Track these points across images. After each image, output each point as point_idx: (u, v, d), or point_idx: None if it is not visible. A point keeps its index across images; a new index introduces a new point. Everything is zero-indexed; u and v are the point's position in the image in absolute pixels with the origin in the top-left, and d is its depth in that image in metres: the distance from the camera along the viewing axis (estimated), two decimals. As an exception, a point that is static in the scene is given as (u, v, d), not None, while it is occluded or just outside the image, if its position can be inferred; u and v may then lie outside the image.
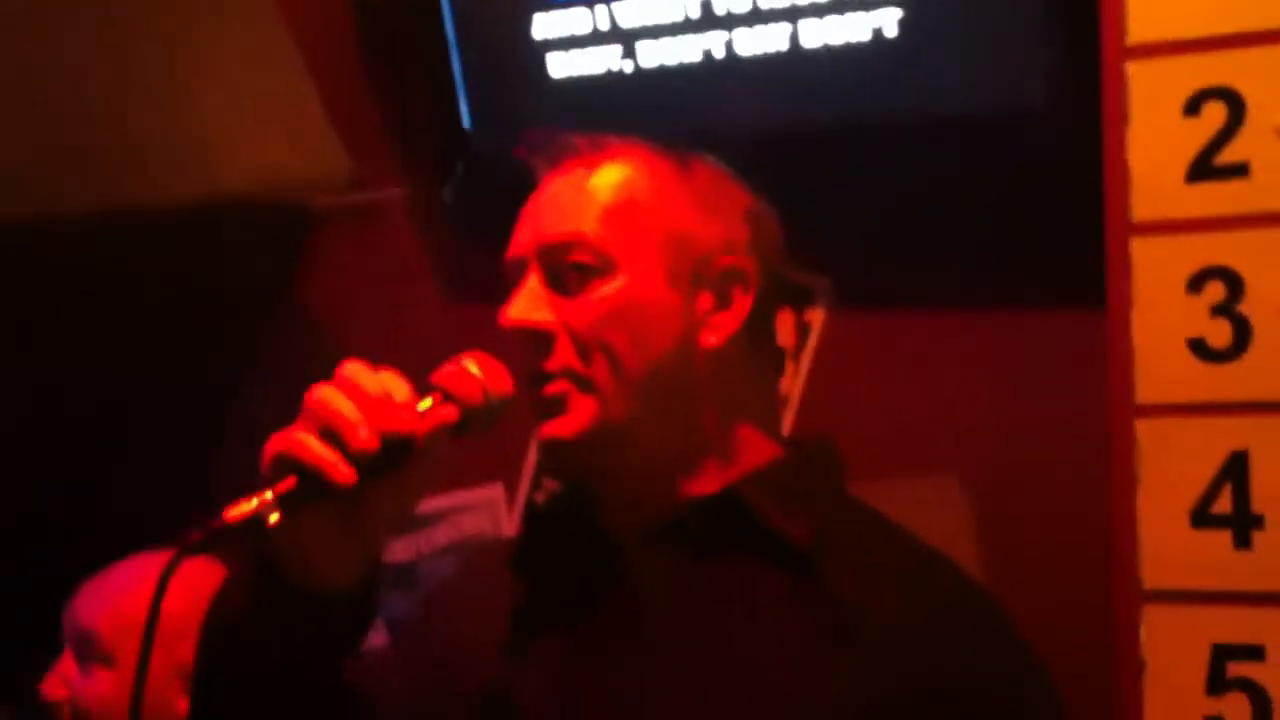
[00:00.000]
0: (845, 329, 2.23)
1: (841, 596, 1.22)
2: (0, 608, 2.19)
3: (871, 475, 2.11)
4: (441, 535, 2.47)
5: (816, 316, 2.24)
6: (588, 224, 1.27)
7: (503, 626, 1.35)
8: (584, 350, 1.26)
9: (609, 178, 1.30)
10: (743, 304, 1.31)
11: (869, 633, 1.20)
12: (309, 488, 1.11)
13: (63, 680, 1.97)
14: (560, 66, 2.26)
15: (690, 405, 1.29)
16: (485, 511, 2.45)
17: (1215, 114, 1.66)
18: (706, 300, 1.30)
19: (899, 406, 2.17)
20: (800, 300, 2.25)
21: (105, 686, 1.93)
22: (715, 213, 1.32)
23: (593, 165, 1.31)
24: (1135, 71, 1.69)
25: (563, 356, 1.26)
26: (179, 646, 1.96)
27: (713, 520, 1.27)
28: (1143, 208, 1.69)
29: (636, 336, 1.26)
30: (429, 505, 2.44)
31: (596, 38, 2.22)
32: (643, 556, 1.29)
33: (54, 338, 2.40)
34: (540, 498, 2.43)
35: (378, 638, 2.33)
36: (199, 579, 2.02)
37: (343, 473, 1.11)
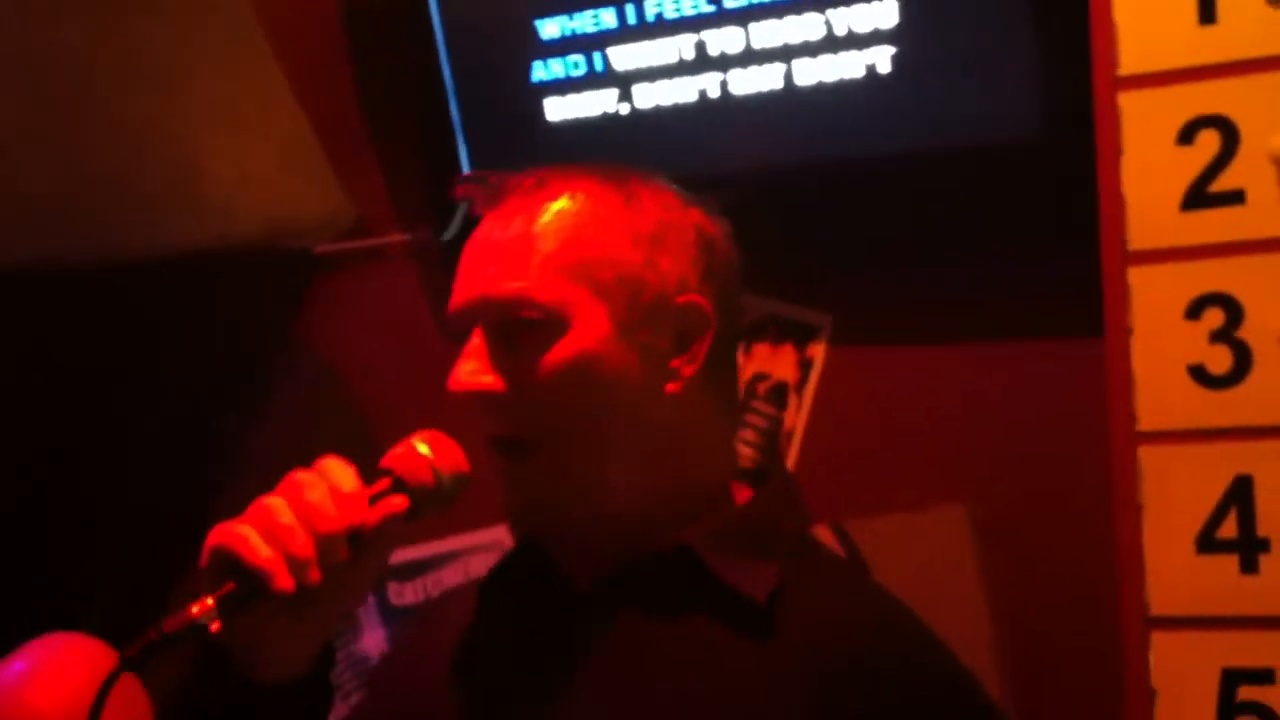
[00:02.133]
0: (847, 363, 2.23)
1: (797, 647, 1.18)
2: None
3: (876, 509, 2.14)
4: (449, 577, 2.47)
5: (818, 351, 2.25)
6: (532, 278, 1.21)
7: (442, 667, 1.32)
8: (537, 410, 1.21)
9: (551, 224, 1.22)
10: (701, 344, 1.25)
11: (822, 690, 1.16)
12: (249, 592, 1.09)
13: None
14: (557, 110, 2.28)
15: (653, 453, 1.24)
16: (492, 553, 2.45)
17: (1209, 142, 1.67)
18: (663, 344, 1.24)
19: (902, 439, 2.18)
20: (802, 336, 2.26)
21: None
22: (665, 249, 1.24)
23: (535, 209, 1.23)
24: (1128, 102, 1.70)
25: (515, 419, 1.21)
26: None
27: (667, 573, 1.22)
28: (1139, 237, 1.70)
29: (591, 392, 1.21)
30: (436, 547, 2.45)
31: (593, 81, 2.24)
32: (595, 604, 1.25)
33: (61, 382, 2.42)
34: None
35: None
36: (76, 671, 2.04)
37: (283, 580, 1.08)
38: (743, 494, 1.31)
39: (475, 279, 1.24)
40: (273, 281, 2.56)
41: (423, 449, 1.18)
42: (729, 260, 1.29)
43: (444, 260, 2.46)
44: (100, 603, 2.31)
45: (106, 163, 2.17)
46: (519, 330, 1.21)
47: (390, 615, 2.46)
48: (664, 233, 1.25)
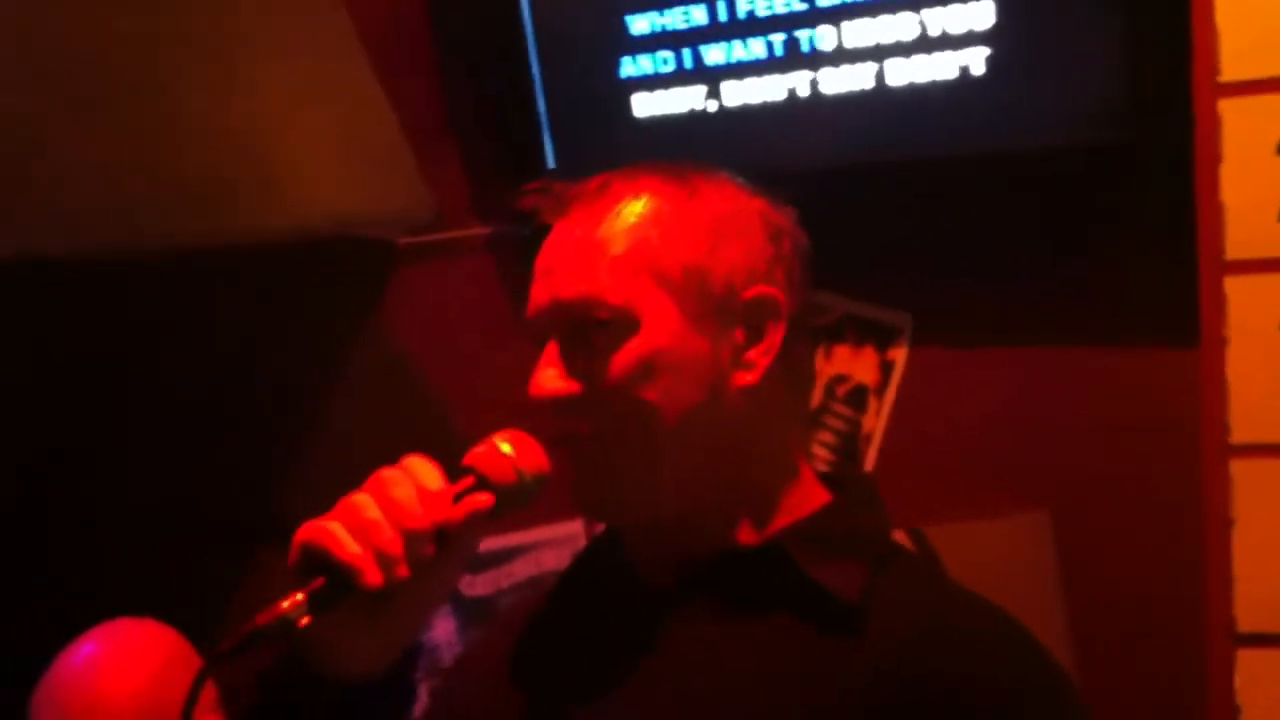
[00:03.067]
0: (929, 365, 2.21)
1: (886, 655, 1.17)
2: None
3: (955, 514, 2.11)
4: (520, 570, 2.48)
5: (899, 353, 2.23)
6: (602, 280, 1.21)
7: (523, 651, 1.32)
8: (615, 410, 1.21)
9: (617, 225, 1.23)
10: (775, 335, 1.25)
11: (907, 697, 1.14)
12: (339, 588, 1.10)
13: None
14: (645, 106, 2.28)
15: (730, 449, 1.24)
16: (564, 547, 2.45)
17: (1310, 152, 1.64)
18: (736, 336, 1.24)
19: (984, 444, 2.15)
20: (883, 337, 2.23)
21: None
22: (732, 242, 1.25)
23: (600, 212, 1.24)
24: (1228, 109, 1.68)
25: (594, 419, 1.22)
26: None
27: (754, 572, 1.22)
28: (1236, 246, 1.67)
29: (667, 389, 1.21)
30: (509, 540, 2.45)
31: (681, 78, 2.24)
32: (676, 603, 1.24)
33: (138, 371, 2.44)
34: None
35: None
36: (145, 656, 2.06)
37: (372, 576, 1.10)
38: (819, 495, 1.29)
39: (547, 285, 1.25)
40: (352, 273, 2.57)
41: (505, 448, 1.19)
42: (798, 248, 1.29)
43: (524, 254, 2.47)
44: (167, 598, 2.33)
45: (175, 157, 2.19)
46: (593, 332, 1.22)
47: (462, 607, 2.46)
48: (729, 224, 1.25)
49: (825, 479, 1.32)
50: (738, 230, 1.25)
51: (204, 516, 2.50)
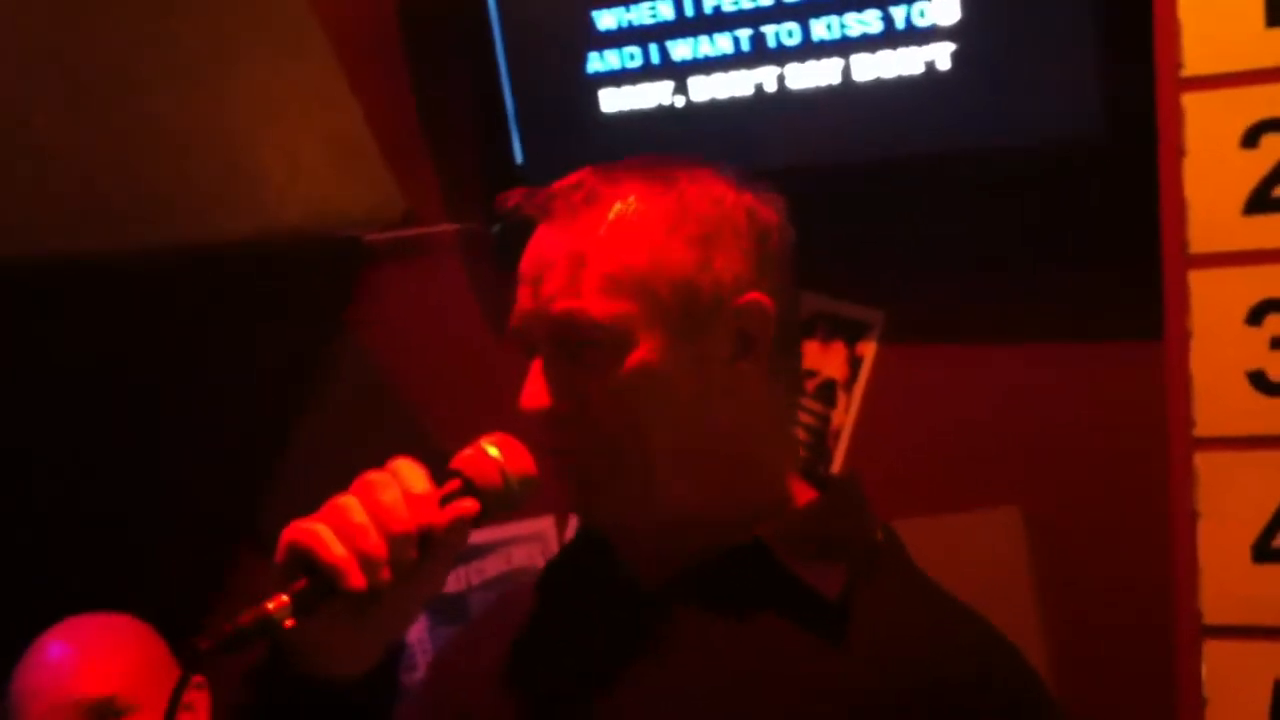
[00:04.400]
0: (898, 361, 2.21)
1: (867, 654, 1.18)
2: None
3: (926, 509, 2.12)
4: (491, 567, 2.48)
5: (869, 349, 2.23)
6: (588, 296, 1.20)
7: (501, 662, 1.31)
8: (606, 427, 1.21)
9: (602, 239, 1.21)
10: (763, 343, 1.24)
11: (890, 701, 1.15)
12: (322, 589, 1.10)
13: None
14: (612, 102, 2.27)
15: (722, 453, 1.24)
16: (535, 543, 2.45)
17: (1273, 146, 1.65)
18: (724, 346, 1.23)
19: (954, 440, 2.16)
20: (852, 333, 2.24)
21: None
22: (718, 247, 1.23)
23: (585, 222, 1.22)
24: (1191, 103, 1.68)
25: (584, 436, 1.22)
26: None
27: (738, 569, 1.22)
28: (1200, 240, 1.68)
29: (658, 403, 1.21)
30: (479, 537, 2.44)
31: (649, 73, 2.23)
32: (662, 603, 1.24)
33: (107, 375, 2.43)
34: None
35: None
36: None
37: (356, 579, 1.10)
38: (804, 492, 1.30)
39: (532, 296, 1.23)
40: (321, 271, 2.56)
41: (492, 451, 1.18)
42: (784, 245, 1.28)
43: (494, 251, 2.47)
44: (147, 597, 2.32)
45: (150, 158, 2.18)
46: (580, 348, 1.21)
47: (432, 604, 2.46)
48: (716, 230, 1.23)
49: (810, 478, 1.32)
50: (725, 235, 1.23)
51: (179, 514, 2.50)
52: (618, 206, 1.23)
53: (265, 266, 2.46)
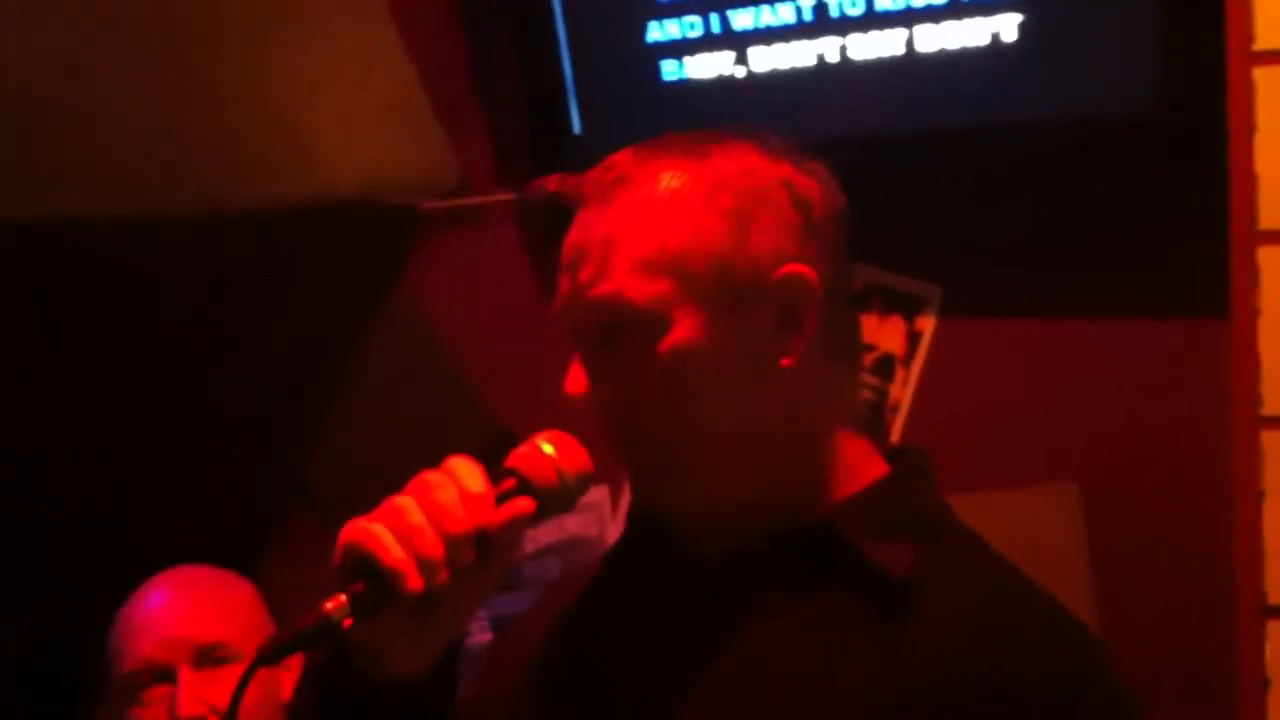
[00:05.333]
0: (956, 336, 2.20)
1: (934, 634, 1.15)
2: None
3: (982, 485, 2.10)
4: (545, 535, 2.48)
5: (927, 324, 2.22)
6: (623, 281, 1.18)
7: (560, 640, 1.31)
8: (650, 414, 1.20)
9: (636, 221, 1.19)
10: (810, 313, 1.20)
11: (954, 684, 1.13)
12: (381, 592, 1.10)
13: (195, 697, 1.97)
14: (672, 71, 2.26)
15: (779, 432, 1.22)
16: (589, 512, 2.45)
17: (1347, 121, 1.62)
18: (769, 321, 1.20)
19: (1012, 415, 2.14)
20: (911, 307, 2.22)
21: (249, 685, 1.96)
22: (757, 218, 1.20)
23: (618, 206, 1.20)
24: (1262, 77, 1.66)
25: (631, 424, 1.20)
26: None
27: (802, 549, 1.21)
28: (1270, 216, 1.66)
29: (700, 385, 1.19)
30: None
31: (709, 42, 2.22)
32: (731, 584, 1.23)
33: (163, 337, 2.44)
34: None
35: (483, 637, 2.35)
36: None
37: (414, 581, 1.09)
38: (874, 467, 1.27)
39: (570, 282, 1.22)
40: (376, 239, 2.56)
41: (547, 449, 1.17)
42: (830, 213, 1.24)
43: (549, 222, 2.46)
44: (200, 554, 2.33)
45: (202, 119, 2.18)
46: (620, 334, 1.20)
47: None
48: (752, 204, 1.20)
49: (881, 453, 1.29)
50: (762, 209, 1.20)
51: (233, 481, 2.51)
52: (649, 187, 1.21)
53: (319, 234, 2.46)
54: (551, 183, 1.26)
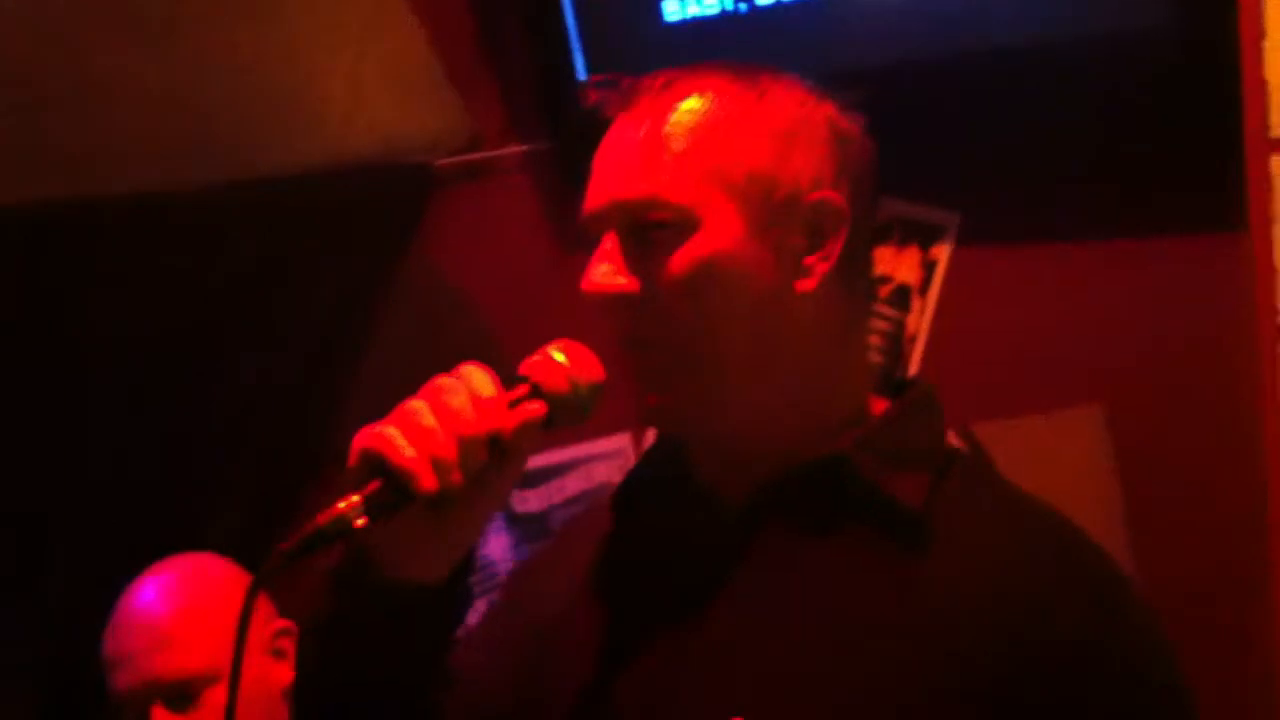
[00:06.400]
0: (974, 263, 2.18)
1: (951, 563, 1.16)
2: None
3: (1005, 412, 2.10)
4: (572, 484, 2.49)
5: (943, 252, 2.20)
6: (663, 179, 1.19)
7: (581, 581, 1.31)
8: (670, 311, 1.20)
9: (681, 123, 1.21)
10: (835, 241, 1.22)
11: (974, 612, 1.13)
12: (395, 491, 1.11)
13: None
14: (675, 9, 2.24)
15: (789, 356, 1.22)
16: (614, 460, 2.46)
17: (1358, 24, 1.60)
18: (796, 242, 1.21)
19: (1033, 341, 2.13)
20: (927, 236, 2.21)
21: (223, 703, 1.95)
22: (798, 145, 1.22)
23: (665, 109, 1.22)
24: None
25: (650, 321, 1.20)
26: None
27: (818, 484, 1.21)
28: (1283, 123, 1.64)
29: (724, 292, 1.19)
30: (560, 456, 2.46)
31: (711, -23, 2.20)
32: (749, 521, 1.23)
33: (178, 304, 2.45)
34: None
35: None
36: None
37: (428, 481, 1.10)
38: (878, 403, 1.27)
39: (607, 183, 1.23)
40: (390, 197, 2.56)
41: (560, 357, 1.18)
42: (865, 157, 1.26)
43: (560, 170, 2.45)
44: (229, 518, 2.35)
45: (211, 89, 2.18)
46: (651, 232, 1.20)
47: (515, 523, 2.48)
48: (797, 129, 1.22)
49: (884, 386, 1.30)
50: (805, 136, 1.22)
51: (252, 440, 2.52)
52: (698, 95, 1.22)
53: (333, 195, 2.46)
54: (600, 83, 1.26)
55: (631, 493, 1.34)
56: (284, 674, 2.01)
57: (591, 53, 2.34)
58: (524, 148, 2.52)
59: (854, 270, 1.24)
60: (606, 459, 2.47)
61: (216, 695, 1.96)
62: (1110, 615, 1.16)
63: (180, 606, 2.00)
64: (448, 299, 2.56)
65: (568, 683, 1.25)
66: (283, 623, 2.04)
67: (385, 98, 2.40)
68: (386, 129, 2.41)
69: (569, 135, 2.39)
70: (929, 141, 2.10)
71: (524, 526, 2.47)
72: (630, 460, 2.44)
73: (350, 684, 1.20)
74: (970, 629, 1.13)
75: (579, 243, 1.26)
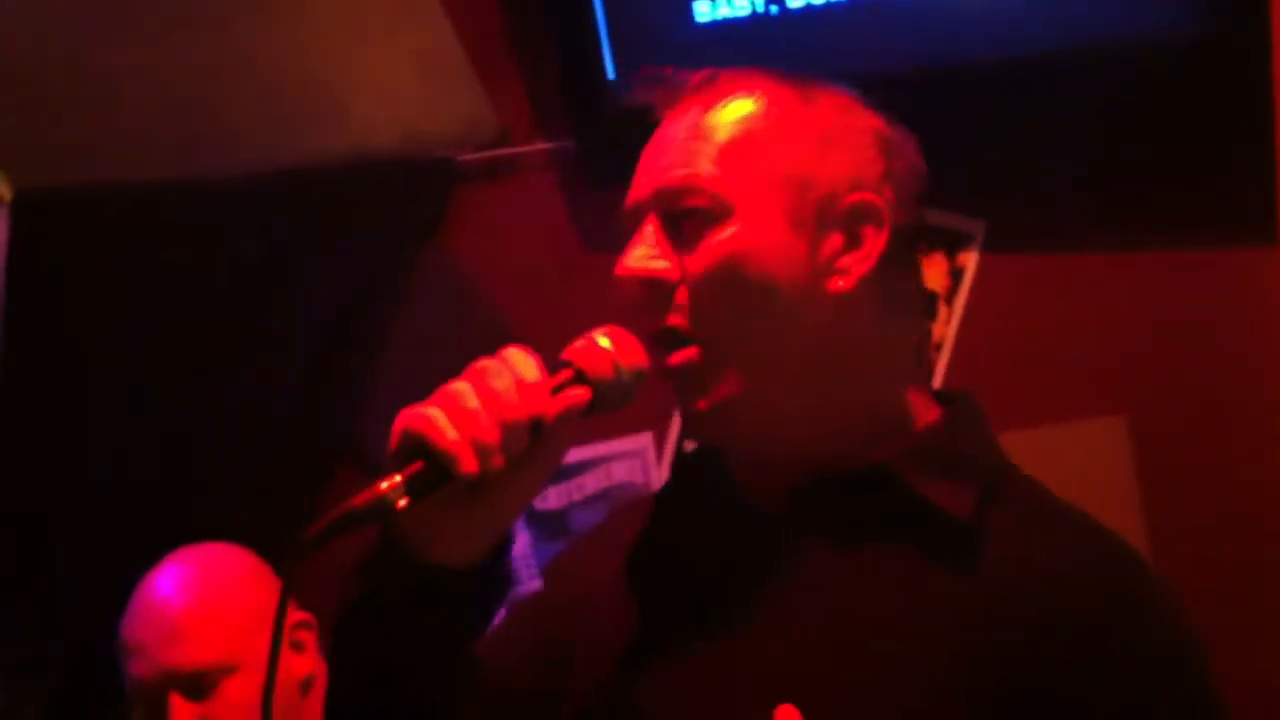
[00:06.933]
0: (1001, 271, 2.17)
1: (998, 578, 1.13)
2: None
3: (1030, 421, 2.09)
4: (591, 483, 2.48)
5: (970, 259, 2.19)
6: (702, 166, 1.19)
7: (617, 580, 1.28)
8: (703, 304, 1.19)
9: (726, 116, 1.21)
10: (874, 243, 1.19)
11: (1022, 624, 1.11)
12: (436, 473, 1.09)
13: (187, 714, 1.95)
14: (706, 10, 2.23)
15: (824, 357, 1.20)
16: (634, 460, 2.45)
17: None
18: (834, 241, 1.19)
19: (1059, 350, 2.12)
20: (953, 243, 2.20)
21: (239, 693, 1.96)
22: (841, 147, 1.21)
23: (710, 103, 1.21)
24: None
25: (681, 310, 1.19)
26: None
27: (861, 492, 1.19)
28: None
29: (757, 284, 1.18)
30: (580, 454, 2.45)
31: (742, -20, 2.19)
32: (782, 526, 1.21)
33: (200, 297, 2.45)
34: (692, 447, 2.41)
35: (533, 584, 2.36)
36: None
37: (469, 464, 1.09)
38: (928, 411, 1.25)
39: (648, 173, 1.23)
40: (415, 192, 2.56)
41: (604, 343, 1.16)
42: (911, 167, 1.25)
43: (585, 170, 2.45)
44: (240, 515, 2.34)
45: (236, 83, 2.18)
46: (688, 221, 1.20)
47: (534, 520, 2.48)
48: (840, 133, 1.22)
49: (936, 397, 1.27)
50: (848, 140, 1.21)
51: (269, 435, 2.52)
52: (744, 92, 1.22)
53: (357, 189, 2.46)
54: (647, 78, 1.26)
55: (671, 494, 1.33)
56: (301, 665, 2.01)
57: (621, 52, 2.33)
58: (549, 145, 2.51)
59: (895, 275, 1.22)
60: (626, 458, 2.47)
61: (232, 685, 1.97)
62: (1160, 641, 1.14)
63: (196, 597, 1.99)
64: (468, 295, 2.56)
65: (595, 679, 1.24)
66: (302, 615, 2.03)
67: (410, 92, 2.40)
68: (411, 123, 2.41)
69: (595, 134, 2.38)
70: (956, 148, 2.08)
71: (543, 524, 2.47)
72: (650, 460, 2.43)
73: (383, 668, 1.19)
74: (1015, 642, 1.12)
75: (616, 239, 1.25)
